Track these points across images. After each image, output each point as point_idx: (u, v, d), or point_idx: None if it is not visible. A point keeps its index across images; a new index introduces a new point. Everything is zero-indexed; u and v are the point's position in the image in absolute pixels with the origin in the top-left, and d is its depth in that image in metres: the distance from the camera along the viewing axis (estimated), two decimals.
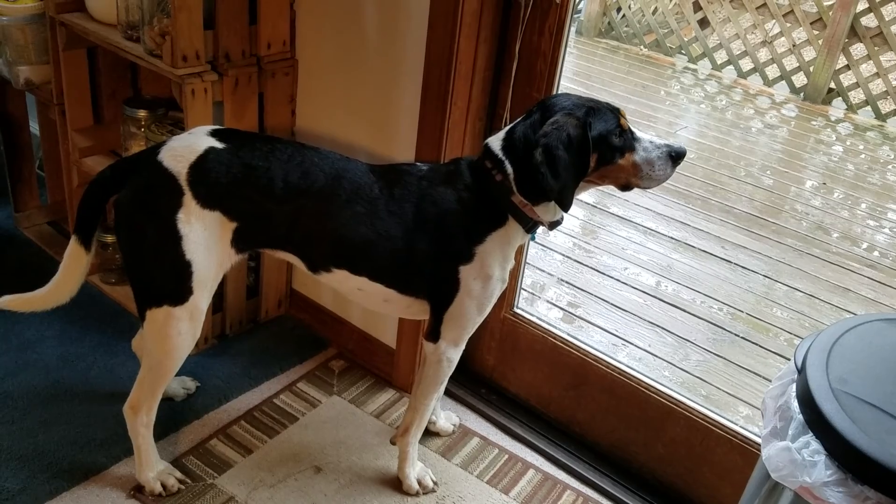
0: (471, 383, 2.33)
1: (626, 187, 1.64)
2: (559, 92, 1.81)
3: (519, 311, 2.24)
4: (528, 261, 2.46)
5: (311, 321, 2.48)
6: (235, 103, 2.10)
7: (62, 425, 2.01)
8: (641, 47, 6.36)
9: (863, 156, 4.97)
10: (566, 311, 3.01)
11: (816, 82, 5.52)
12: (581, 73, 5.86)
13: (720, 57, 5.92)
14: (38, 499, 1.81)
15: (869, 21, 5.26)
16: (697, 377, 2.70)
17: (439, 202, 1.65)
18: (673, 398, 1.99)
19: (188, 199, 1.61)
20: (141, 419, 1.79)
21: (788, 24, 5.57)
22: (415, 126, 1.99)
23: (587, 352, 2.12)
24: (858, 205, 4.28)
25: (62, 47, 2.25)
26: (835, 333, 1.30)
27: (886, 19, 5.19)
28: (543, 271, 3.24)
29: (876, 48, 5.26)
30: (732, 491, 1.91)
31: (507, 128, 1.66)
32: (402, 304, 1.76)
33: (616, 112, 1.59)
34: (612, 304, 3.06)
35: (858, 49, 5.38)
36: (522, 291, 2.27)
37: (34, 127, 2.84)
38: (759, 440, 1.57)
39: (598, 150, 1.57)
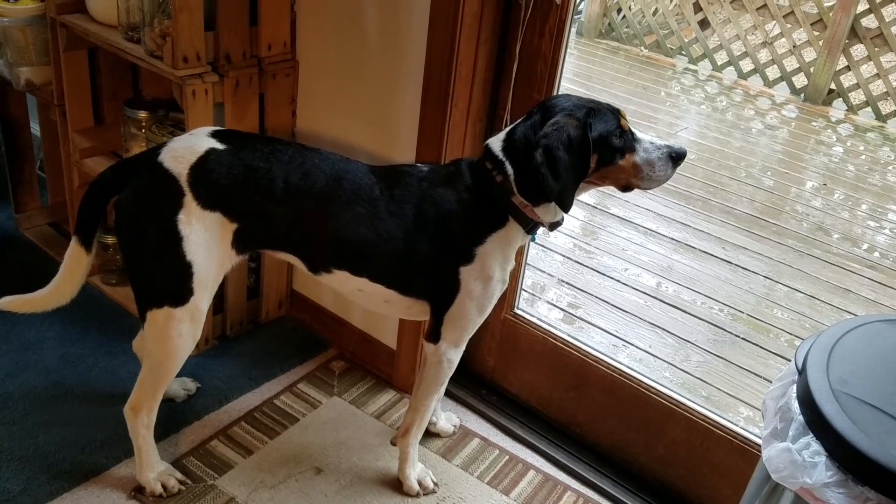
0: (471, 384, 2.33)
1: (626, 188, 1.64)
2: (559, 93, 1.81)
3: (519, 312, 2.24)
4: (528, 262, 2.46)
5: (311, 322, 2.48)
6: (236, 104, 2.10)
7: (63, 426, 2.01)
8: (642, 48, 6.37)
9: (863, 157, 4.97)
10: (566, 311, 3.01)
11: (817, 83, 5.52)
12: (581, 74, 5.86)
13: (720, 58, 5.92)
14: (39, 500, 1.81)
15: (869, 22, 5.26)
16: (698, 378, 2.69)
17: (440, 203, 1.65)
18: (673, 399, 1.99)
19: (189, 200, 1.61)
20: (141, 420, 1.79)
21: (789, 25, 5.57)
22: (415, 127, 1.99)
23: (587, 353, 2.12)
24: (859, 206, 4.28)
25: (63, 48, 2.25)
26: (835, 334, 1.31)
27: (887, 20, 5.19)
28: (544, 272, 3.24)
29: (876, 49, 5.26)
30: (733, 492, 1.90)
31: (508, 129, 1.66)
32: (402, 304, 1.76)
33: (616, 113, 1.59)
34: (612, 304, 3.06)
35: (859, 50, 5.38)
36: (523, 292, 2.28)
37: (35, 128, 2.84)
38: (759, 441, 1.57)
39: (598, 150, 1.57)
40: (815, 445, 1.14)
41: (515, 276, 2.15)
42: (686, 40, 6.13)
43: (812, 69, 5.51)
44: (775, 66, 5.69)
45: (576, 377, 2.14)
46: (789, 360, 1.32)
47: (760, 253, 3.58)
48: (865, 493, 1.08)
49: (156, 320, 1.69)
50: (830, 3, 5.39)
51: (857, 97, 5.48)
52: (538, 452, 2.14)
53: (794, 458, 1.14)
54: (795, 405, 1.21)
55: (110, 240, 2.45)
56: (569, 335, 2.19)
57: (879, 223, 4.11)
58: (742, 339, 2.94)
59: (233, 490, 1.90)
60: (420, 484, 1.96)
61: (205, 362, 2.28)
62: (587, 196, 3.58)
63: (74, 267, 1.73)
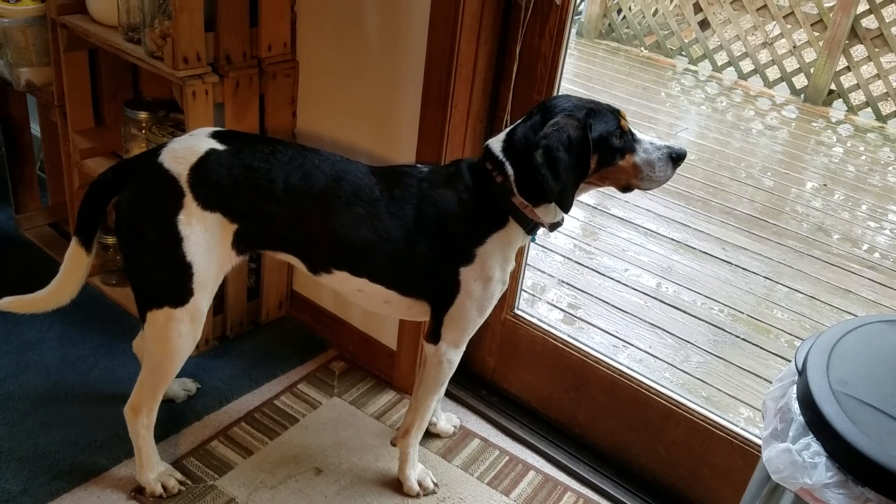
0: (471, 385, 2.33)
1: (626, 189, 1.63)
2: (559, 94, 1.81)
3: (519, 313, 2.24)
4: (528, 262, 2.46)
5: (311, 322, 2.48)
6: (236, 105, 2.10)
7: (63, 427, 2.01)
8: (642, 49, 6.37)
9: (863, 157, 4.97)
10: (567, 312, 3.01)
11: (817, 84, 5.52)
12: (581, 74, 5.86)
13: (721, 58, 5.92)
14: (39, 500, 1.81)
15: (869, 23, 5.26)
16: (698, 379, 2.69)
17: (440, 204, 1.65)
18: (673, 400, 1.99)
19: (189, 201, 1.61)
20: (141, 420, 1.79)
21: (789, 26, 5.57)
22: (415, 128, 1.99)
23: (588, 353, 2.12)
24: (859, 206, 4.28)
25: (63, 49, 2.25)
26: (835, 335, 1.30)
27: (887, 21, 5.19)
28: (544, 273, 3.24)
29: (876, 50, 5.26)
30: (733, 493, 1.90)
31: (508, 129, 1.66)
32: (402, 305, 1.76)
33: (616, 113, 1.59)
34: (612, 305, 3.06)
35: (859, 50, 5.38)
36: (523, 293, 2.28)
37: (35, 129, 2.84)
38: (759, 442, 1.57)
39: (598, 151, 1.57)
40: (815, 446, 1.14)
41: (515, 276, 2.15)
42: (686, 41, 6.13)
43: (812, 70, 5.51)
44: (775, 66, 5.69)
45: (576, 378, 2.14)
46: (789, 361, 1.32)
47: (760, 253, 3.58)
48: (865, 493, 1.08)
49: (156, 321, 1.69)
50: (830, 4, 5.39)
51: (857, 98, 5.47)
52: (538, 453, 2.14)
53: (795, 458, 1.14)
54: (795, 406, 1.21)
55: (110, 240, 2.45)
56: (569, 336, 2.19)
57: (879, 224, 4.11)
58: (742, 339, 2.94)
59: (233, 491, 1.90)
60: (420, 484, 1.96)
61: (205, 363, 2.28)
62: (587, 197, 3.58)
63: (75, 267, 1.73)
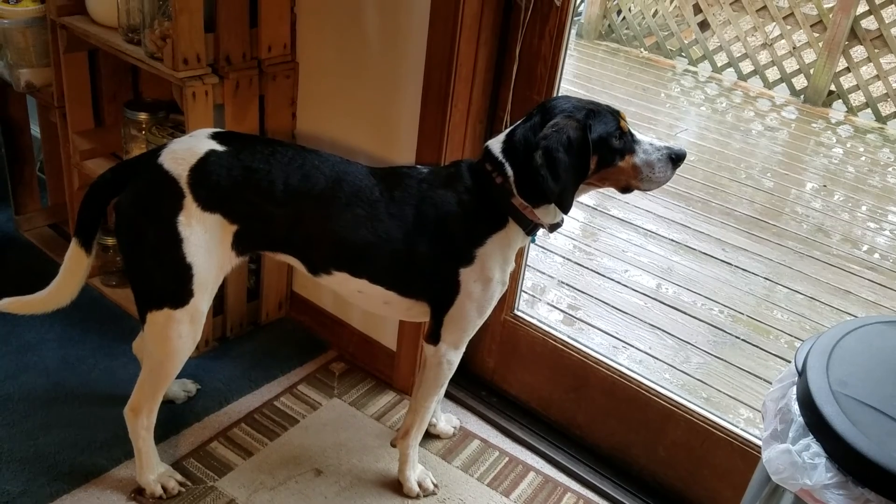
0: (471, 386, 2.33)
1: (626, 189, 1.63)
2: (559, 94, 1.81)
3: (519, 314, 2.24)
4: (528, 263, 2.46)
5: (311, 323, 2.48)
6: (236, 106, 2.10)
7: (62, 428, 2.01)
8: (642, 50, 6.37)
9: (863, 158, 4.97)
10: (566, 313, 3.01)
11: (817, 85, 5.52)
12: (581, 75, 5.87)
13: (720, 59, 5.92)
14: (39, 501, 1.81)
15: (869, 23, 5.26)
16: (698, 380, 2.69)
17: (439, 205, 1.65)
18: (673, 400, 1.99)
19: (189, 202, 1.61)
20: (141, 422, 1.79)
21: (789, 27, 5.57)
22: (415, 129, 1.99)
23: (587, 354, 2.12)
24: (859, 207, 4.28)
25: (63, 50, 2.25)
26: (835, 336, 1.30)
27: (886, 22, 5.19)
28: (544, 274, 3.24)
29: (876, 50, 5.26)
30: (733, 493, 1.90)
31: (508, 130, 1.66)
32: (402, 306, 1.76)
33: (616, 114, 1.59)
34: (612, 306, 3.06)
35: (859, 51, 5.38)
36: (523, 294, 2.27)
37: (35, 129, 2.84)
38: (759, 443, 1.57)
39: (598, 152, 1.57)
40: (815, 447, 1.14)
41: (515, 277, 2.15)
42: (686, 42, 6.13)
43: (812, 71, 5.51)
44: (775, 67, 5.69)
45: (576, 379, 2.14)
46: (789, 362, 1.32)
47: (760, 254, 3.58)
48: (865, 494, 1.08)
49: (156, 322, 1.69)
50: (830, 5, 5.40)
51: (856, 99, 5.47)
52: (538, 454, 2.14)
53: (794, 459, 1.14)
54: (795, 407, 1.21)
55: (110, 241, 2.45)
56: (569, 337, 2.19)
57: (879, 224, 4.11)
58: (742, 340, 2.94)
59: (233, 492, 1.90)
60: (420, 485, 1.96)
61: (205, 364, 2.28)
62: (587, 198, 3.58)
63: (74, 268, 1.73)
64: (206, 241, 1.64)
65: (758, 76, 5.77)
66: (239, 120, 2.12)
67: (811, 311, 3.19)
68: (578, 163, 1.55)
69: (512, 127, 1.66)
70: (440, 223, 1.65)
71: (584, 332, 2.88)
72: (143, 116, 2.22)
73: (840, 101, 5.49)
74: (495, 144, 1.64)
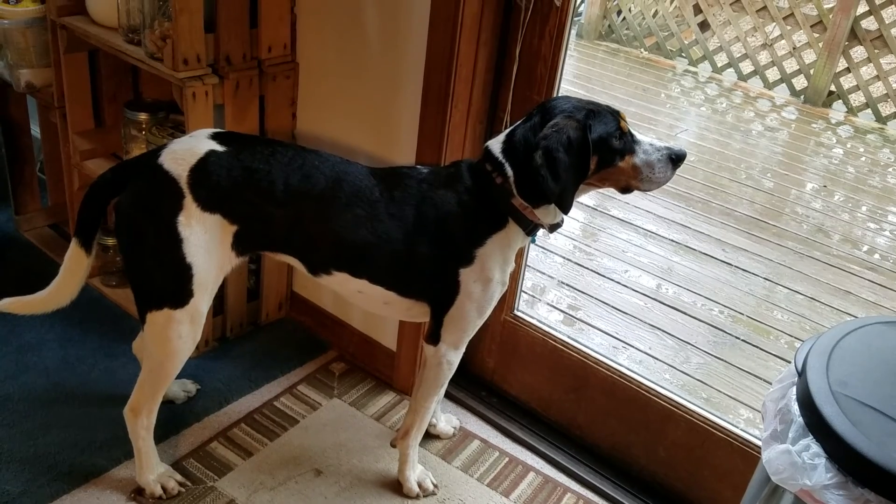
0: (471, 386, 2.33)
1: (626, 190, 1.64)
2: (559, 95, 1.82)
3: (519, 314, 2.24)
4: (528, 263, 2.46)
5: (311, 324, 2.48)
6: (236, 106, 2.10)
7: (62, 428, 2.01)
8: (642, 50, 6.37)
9: (863, 158, 4.97)
10: (566, 313, 3.01)
11: (817, 85, 5.52)
12: (581, 76, 5.87)
13: (720, 60, 5.92)
14: (39, 502, 1.81)
15: (869, 24, 5.26)
16: (698, 380, 2.69)
17: (439, 205, 1.65)
18: (673, 401, 1.99)
19: (189, 202, 1.61)
20: (141, 422, 1.79)
21: (789, 27, 5.57)
22: (415, 129, 1.99)
23: (587, 354, 2.12)
24: (859, 207, 4.28)
25: (63, 50, 2.25)
26: (835, 336, 1.31)
27: (886, 22, 5.19)
28: (544, 274, 3.24)
29: (876, 51, 5.26)
30: (733, 494, 1.90)
31: (508, 130, 1.66)
32: (402, 306, 1.76)
33: (616, 115, 1.59)
34: (612, 306, 3.05)
35: (859, 52, 5.38)
36: (523, 294, 2.27)
37: (35, 130, 2.84)
38: (759, 443, 1.57)
39: (598, 152, 1.57)
40: (815, 447, 1.14)
41: (515, 277, 2.15)
42: (686, 42, 6.13)
43: (812, 71, 5.51)
44: (775, 67, 5.69)
45: (576, 379, 2.14)
46: (789, 362, 1.32)
47: (760, 255, 3.58)
48: (865, 494, 1.08)
49: (156, 322, 1.69)
50: (830, 5, 5.40)
51: (856, 99, 5.47)
52: (538, 454, 2.14)
53: (794, 459, 1.14)
54: (795, 407, 1.21)
55: (110, 241, 2.45)
56: (569, 337, 2.19)
57: (879, 225, 4.11)
58: (742, 340, 2.94)
59: (232, 492, 1.90)
60: (420, 486, 1.96)
61: (205, 364, 2.28)
62: (587, 198, 3.59)
63: (74, 268, 1.73)
64: (205, 242, 1.64)
65: (758, 76, 5.77)
66: (239, 120, 2.12)
67: (811, 312, 3.19)
68: (578, 163, 1.55)
69: (512, 127, 1.66)
70: (440, 223, 1.65)
71: (584, 333, 2.88)
72: (143, 117, 2.22)
73: (840, 101, 5.49)
74: (495, 145, 1.64)
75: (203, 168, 1.62)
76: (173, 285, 1.66)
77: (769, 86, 5.74)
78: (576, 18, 6.33)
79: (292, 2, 2.13)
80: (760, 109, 5.56)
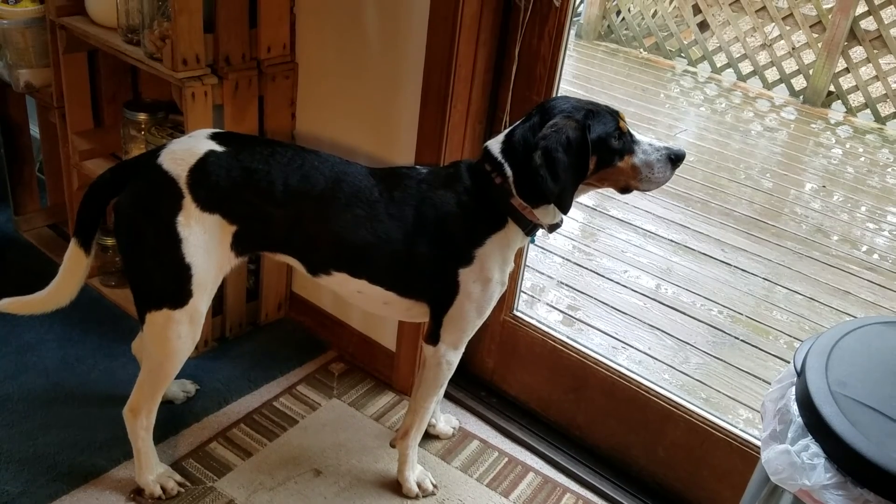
0: (470, 386, 2.33)
1: (625, 190, 1.64)
2: (558, 95, 1.81)
3: (518, 314, 2.24)
4: (527, 263, 2.46)
5: (310, 324, 2.48)
6: (235, 107, 2.10)
7: (62, 428, 2.01)
8: (641, 50, 6.37)
9: (862, 158, 4.98)
10: (566, 313, 3.01)
11: (816, 85, 5.52)
12: (580, 76, 5.87)
13: (720, 60, 5.93)
14: (38, 502, 1.81)
15: (868, 24, 5.26)
16: (697, 380, 2.69)
17: (439, 205, 1.65)
18: (673, 401, 1.99)
19: (188, 203, 1.61)
20: (141, 422, 1.79)
21: (788, 28, 5.57)
22: (415, 129, 1.99)
23: (587, 355, 2.12)
24: (858, 208, 4.28)
25: (62, 50, 2.25)
26: (834, 336, 1.31)
27: (886, 22, 5.19)
28: (543, 274, 3.24)
29: (875, 51, 5.26)
30: (732, 494, 1.90)
31: (507, 131, 1.66)
32: (401, 306, 1.76)
33: (615, 115, 1.59)
34: (611, 306, 3.06)
35: (858, 52, 5.38)
36: (522, 294, 2.28)
37: (34, 130, 2.84)
38: (758, 443, 1.57)
39: (597, 152, 1.57)
40: (814, 447, 1.14)
41: (515, 277, 2.15)
42: (685, 42, 6.13)
43: (811, 71, 5.51)
44: (774, 68, 5.69)
45: (575, 379, 2.14)
46: (788, 362, 1.32)
47: (759, 255, 3.59)
48: (864, 495, 1.08)
49: (155, 322, 1.69)
50: (829, 6, 5.40)
51: (856, 99, 5.48)
52: (538, 455, 2.14)
53: (793, 459, 1.14)
54: (794, 407, 1.21)
55: (110, 242, 2.45)
56: (568, 337, 2.19)
57: (878, 225, 4.12)
58: (741, 341, 2.94)
59: (232, 492, 1.90)
60: (419, 486, 1.96)
61: (204, 364, 2.28)
62: (586, 198, 3.59)
63: (74, 269, 1.73)
64: (205, 242, 1.64)
65: (757, 77, 5.77)
66: (238, 120, 2.12)
67: (810, 312, 3.19)
68: (577, 163, 1.55)
69: (511, 127, 1.66)
70: (439, 223, 1.65)
71: (584, 333, 2.88)
72: (142, 117, 2.22)
73: (839, 101, 5.49)
74: (494, 145, 1.65)
75: (202, 168, 1.62)
76: (172, 285, 1.66)
77: (768, 86, 5.74)
78: (575, 19, 6.35)
79: (292, 2, 2.13)
80: (759, 110, 5.56)
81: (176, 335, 1.70)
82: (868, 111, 5.40)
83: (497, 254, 1.66)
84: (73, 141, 2.37)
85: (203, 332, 1.81)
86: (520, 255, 2.12)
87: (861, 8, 5.22)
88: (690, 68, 6.11)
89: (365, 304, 1.82)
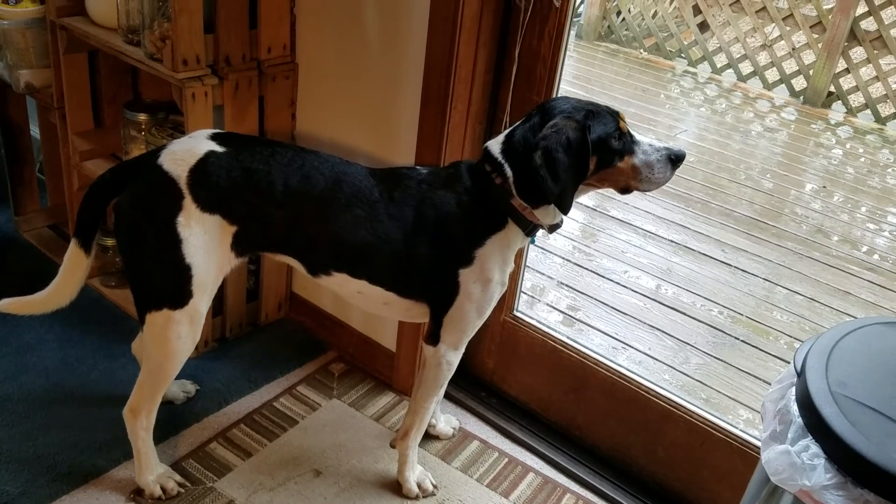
0: (471, 386, 2.33)
1: (625, 190, 1.64)
2: (558, 95, 1.82)
3: (519, 315, 2.24)
4: (527, 264, 2.46)
5: (310, 324, 2.48)
6: (236, 107, 2.10)
7: (62, 428, 2.01)
8: (641, 51, 6.37)
9: (862, 159, 4.98)
10: (566, 314, 3.01)
11: (816, 86, 5.52)
12: (581, 76, 5.87)
13: (720, 60, 5.93)
14: (38, 502, 1.81)
15: (868, 24, 5.27)
16: (697, 380, 2.69)
17: (439, 206, 1.65)
18: (673, 401, 1.99)
19: (188, 203, 1.61)
20: (141, 422, 1.79)
21: (788, 28, 5.57)
22: (415, 129, 1.99)
23: (587, 355, 2.12)
24: (858, 208, 4.28)
25: (63, 51, 2.25)
26: (834, 337, 1.31)
27: (886, 23, 5.19)
28: (543, 274, 3.24)
29: (875, 52, 5.27)
30: (732, 494, 1.90)
31: (507, 131, 1.66)
32: (401, 307, 1.76)
33: (615, 115, 1.59)
34: (611, 307, 3.05)
35: (858, 52, 5.38)
36: (522, 294, 2.27)
37: (34, 130, 2.84)
38: (758, 443, 1.57)
39: (597, 153, 1.57)
40: (815, 448, 1.14)
41: (515, 278, 2.15)
42: (685, 43, 6.13)
43: (811, 72, 5.51)
44: (774, 68, 5.69)
45: (575, 379, 2.14)
46: (788, 363, 1.32)
47: (760, 255, 3.58)
48: (865, 495, 1.08)
49: (155, 323, 1.69)
50: (830, 6, 5.40)
51: (856, 99, 5.48)
52: (538, 455, 2.14)
53: (794, 460, 1.14)
54: (794, 407, 1.21)
55: (110, 242, 2.45)
56: (568, 337, 2.19)
57: (879, 225, 4.12)
58: (741, 341, 2.94)
59: (232, 492, 1.90)
60: (419, 486, 1.96)
61: (204, 364, 2.28)
62: (586, 198, 3.59)
63: (74, 269, 1.73)
64: (205, 242, 1.64)
65: (757, 77, 5.77)
66: (238, 121, 2.12)
67: (810, 312, 3.19)
68: (578, 163, 1.55)
69: (511, 128, 1.66)
70: (439, 224, 1.65)
71: (584, 333, 2.88)
72: (142, 117, 2.22)
73: (839, 102, 5.49)
74: (494, 145, 1.65)
75: (202, 169, 1.62)
76: (173, 286, 1.66)
77: (768, 86, 5.74)
78: (575, 19, 6.35)
79: (292, 2, 2.14)
80: (760, 110, 5.57)
81: (176, 336, 1.70)
82: (868, 112, 5.40)
83: (497, 254, 1.66)
84: (74, 141, 2.38)
85: (203, 333, 1.81)
86: (520, 256, 2.12)
87: (861, 8, 5.22)
88: (691, 69, 6.11)
89: (365, 305, 1.82)
